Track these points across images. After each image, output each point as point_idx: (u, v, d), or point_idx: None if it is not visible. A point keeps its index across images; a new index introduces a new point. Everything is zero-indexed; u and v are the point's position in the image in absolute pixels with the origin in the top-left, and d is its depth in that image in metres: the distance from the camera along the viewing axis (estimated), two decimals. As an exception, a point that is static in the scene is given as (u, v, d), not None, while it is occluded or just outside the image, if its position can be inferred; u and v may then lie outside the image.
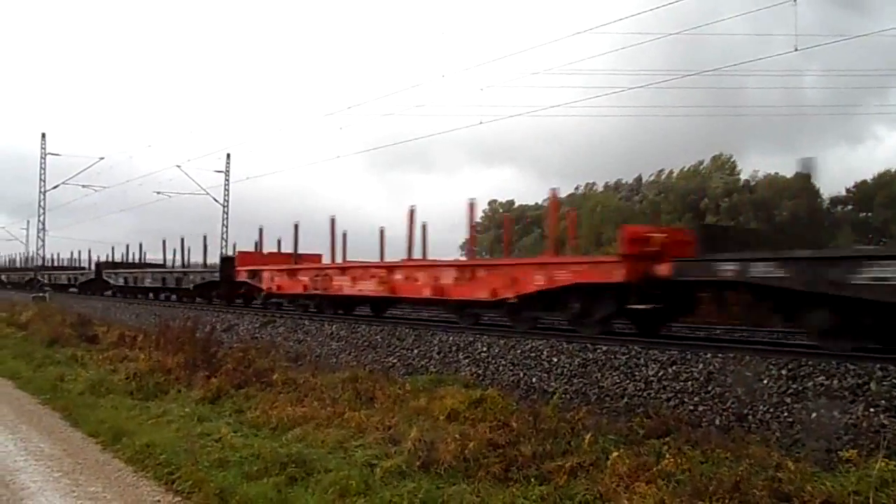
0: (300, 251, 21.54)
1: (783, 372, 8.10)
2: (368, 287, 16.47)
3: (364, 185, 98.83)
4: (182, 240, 31.13)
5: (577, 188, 68.39)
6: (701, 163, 61.18)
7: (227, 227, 45.02)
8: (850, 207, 55.12)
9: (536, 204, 66.21)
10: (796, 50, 15.79)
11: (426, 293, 14.85)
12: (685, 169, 62.08)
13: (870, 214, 53.09)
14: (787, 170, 53.46)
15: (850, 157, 70.29)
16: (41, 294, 36.85)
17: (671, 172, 62.72)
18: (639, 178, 62.26)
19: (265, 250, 24.24)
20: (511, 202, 71.62)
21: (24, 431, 9.37)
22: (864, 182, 54.40)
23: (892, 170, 54.25)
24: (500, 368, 10.98)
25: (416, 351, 12.70)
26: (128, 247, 35.72)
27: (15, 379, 13.60)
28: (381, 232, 17.88)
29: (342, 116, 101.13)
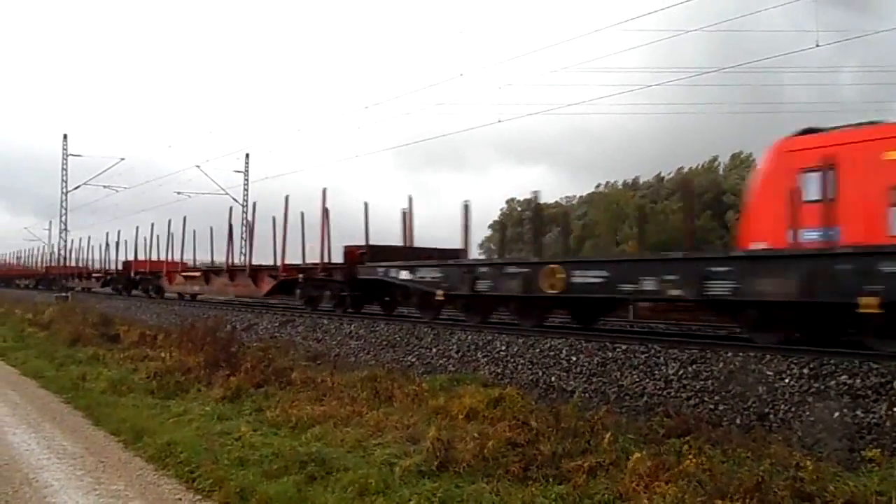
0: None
1: (805, 371, 8.04)
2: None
3: (392, 184, 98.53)
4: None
5: (597, 186, 68.00)
6: (715, 159, 60.56)
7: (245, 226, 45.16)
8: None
9: (556, 202, 65.96)
10: (817, 45, 15.67)
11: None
12: (698, 167, 61.58)
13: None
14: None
15: None
16: (63, 294, 37.18)
17: (689, 170, 62.26)
18: (660, 178, 61.74)
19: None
20: (529, 201, 71.26)
21: (47, 430, 9.46)
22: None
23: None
24: (519, 367, 10.96)
25: (434, 350, 12.71)
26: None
27: (38, 378, 13.73)
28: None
29: (360, 116, 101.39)
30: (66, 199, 50.78)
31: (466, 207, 16.57)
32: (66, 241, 49.66)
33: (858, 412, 7.24)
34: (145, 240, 33.10)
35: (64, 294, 37.12)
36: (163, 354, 14.27)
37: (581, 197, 65.75)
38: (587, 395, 9.52)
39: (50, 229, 62.47)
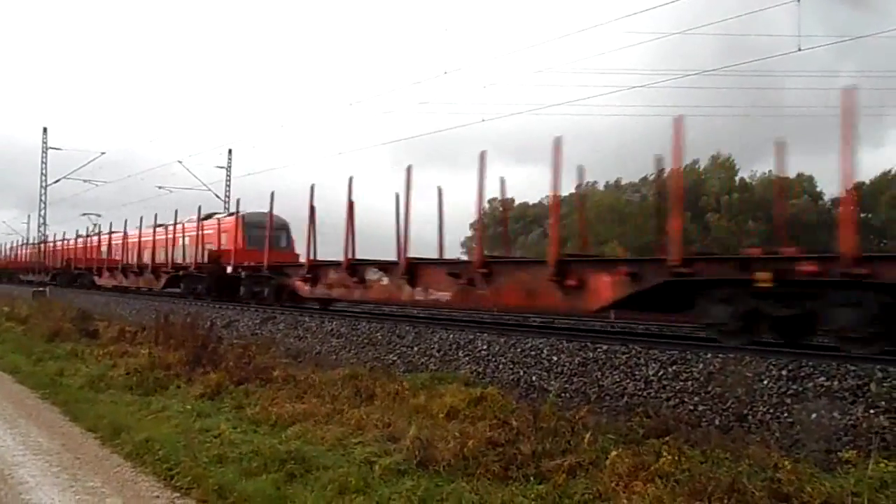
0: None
1: (783, 372, 8.09)
2: None
3: (388, 181, 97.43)
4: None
5: (578, 186, 68.08)
6: (696, 161, 60.91)
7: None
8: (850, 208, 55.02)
9: (541, 202, 66.05)
10: (800, 50, 15.89)
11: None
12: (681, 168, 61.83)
13: (870, 215, 53.08)
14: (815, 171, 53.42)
15: (868, 160, 69.24)
16: (41, 289, 36.83)
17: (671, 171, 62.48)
18: (644, 178, 62.01)
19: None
20: (512, 200, 71.31)
21: (23, 426, 9.37)
22: (862, 183, 54.37)
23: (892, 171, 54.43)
24: (500, 366, 10.97)
25: (416, 348, 12.69)
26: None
27: (14, 373, 13.61)
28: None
29: (345, 112, 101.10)
30: (46, 193, 50.39)
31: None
32: (44, 236, 49.32)
33: (835, 414, 7.30)
34: (83, 238, 39.84)
35: (41, 289, 36.78)
36: (143, 351, 14.17)
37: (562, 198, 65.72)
38: (568, 395, 9.55)
39: (28, 223, 61.97)
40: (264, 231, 21.96)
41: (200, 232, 26.65)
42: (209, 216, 29.79)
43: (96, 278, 35.74)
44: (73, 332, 18.56)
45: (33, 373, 13.36)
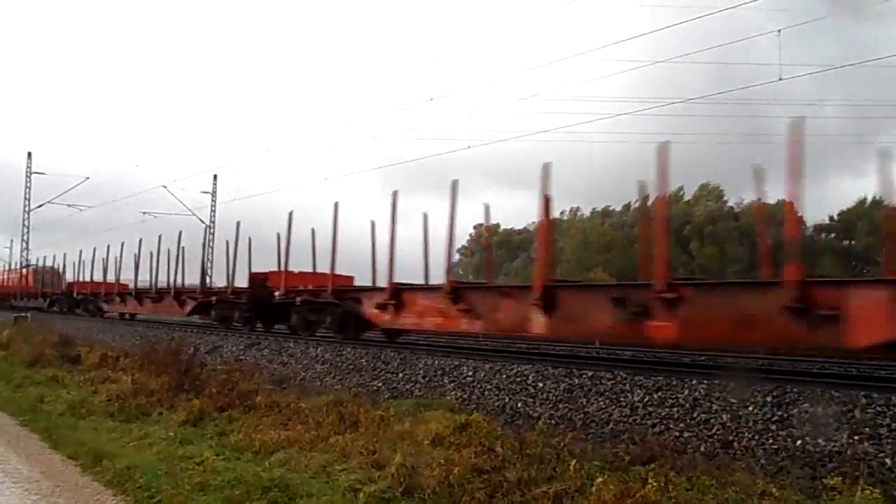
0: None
1: (768, 399, 8.12)
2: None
3: (379, 206, 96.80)
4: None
5: (562, 213, 68.36)
6: (681, 188, 61.35)
7: (213, 247, 44.92)
8: (833, 235, 55.69)
9: (525, 228, 66.23)
10: (780, 80, 16.12)
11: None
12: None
13: (853, 242, 53.63)
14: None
15: (850, 189, 69.81)
16: (23, 314, 36.49)
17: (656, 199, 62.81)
18: (627, 205, 62.27)
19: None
20: (497, 225, 71.45)
21: (1, 453, 9.22)
22: (847, 211, 54.98)
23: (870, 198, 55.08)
24: (486, 393, 10.94)
25: (401, 375, 12.65)
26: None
27: (-6, 400, 13.42)
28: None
29: (331, 137, 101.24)
30: (29, 218, 50.28)
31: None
32: (28, 261, 49.17)
33: (820, 440, 7.32)
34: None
35: (23, 314, 36.43)
36: (125, 377, 14.03)
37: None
38: (553, 421, 9.52)
39: (11, 247, 61.78)
40: (46, 276, 42.23)
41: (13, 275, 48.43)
42: (27, 265, 47.39)
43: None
44: (54, 357, 18.34)
45: (13, 399, 13.18)
